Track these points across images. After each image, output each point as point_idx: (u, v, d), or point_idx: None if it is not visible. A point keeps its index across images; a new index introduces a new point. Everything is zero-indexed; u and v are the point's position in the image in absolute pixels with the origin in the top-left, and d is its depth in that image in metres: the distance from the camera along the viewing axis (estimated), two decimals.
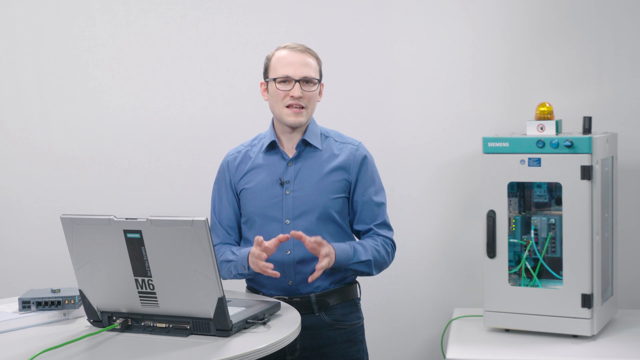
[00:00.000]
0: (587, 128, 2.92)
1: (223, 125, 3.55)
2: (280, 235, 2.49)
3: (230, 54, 3.56)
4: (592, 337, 2.86)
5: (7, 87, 3.67)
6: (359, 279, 2.78)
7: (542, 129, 2.94)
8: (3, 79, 3.67)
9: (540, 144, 2.84)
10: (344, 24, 3.49)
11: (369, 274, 2.68)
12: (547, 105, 2.99)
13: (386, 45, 3.47)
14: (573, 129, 3.13)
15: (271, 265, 2.48)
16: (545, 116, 2.98)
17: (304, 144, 2.68)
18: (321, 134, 2.72)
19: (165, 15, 3.57)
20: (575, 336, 2.86)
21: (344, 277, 2.69)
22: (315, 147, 2.69)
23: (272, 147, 2.70)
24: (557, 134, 2.93)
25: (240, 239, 2.75)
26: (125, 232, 2.19)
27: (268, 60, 2.69)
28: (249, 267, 2.56)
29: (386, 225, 2.75)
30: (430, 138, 3.46)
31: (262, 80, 2.71)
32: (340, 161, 2.69)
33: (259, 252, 2.47)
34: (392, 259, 2.76)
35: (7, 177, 3.69)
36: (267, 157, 2.70)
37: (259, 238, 2.48)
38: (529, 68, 3.38)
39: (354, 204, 2.71)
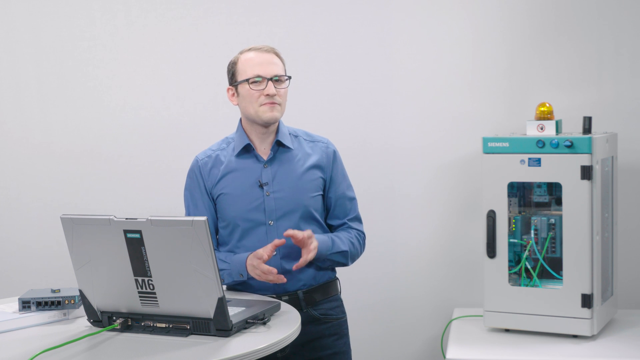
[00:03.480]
0: (587, 128, 2.92)
1: (223, 125, 3.52)
2: (276, 241, 2.54)
3: (230, 54, 3.54)
4: (592, 337, 2.86)
5: (7, 87, 3.67)
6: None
7: (542, 129, 2.94)
8: (3, 79, 3.67)
9: (540, 144, 2.84)
10: (344, 24, 3.49)
11: (345, 264, 2.74)
12: (547, 105, 2.99)
13: (386, 45, 3.47)
14: (573, 129, 3.13)
15: (282, 276, 2.53)
16: (545, 116, 2.98)
17: (278, 145, 2.71)
18: (290, 133, 2.75)
19: (165, 16, 3.57)
20: (575, 336, 2.86)
21: (324, 271, 2.72)
22: (288, 148, 2.71)
23: (246, 150, 2.71)
24: (557, 134, 2.93)
25: (217, 244, 2.75)
26: (125, 232, 2.19)
27: (234, 64, 2.71)
28: (248, 275, 2.59)
29: (358, 219, 2.81)
30: (430, 138, 3.46)
31: (229, 86, 2.73)
32: (315, 160, 2.73)
33: (268, 268, 2.51)
34: (364, 250, 2.82)
35: (7, 176, 3.69)
36: (240, 160, 2.71)
37: (260, 252, 2.53)
38: (529, 68, 3.38)
39: (328, 200, 2.76)
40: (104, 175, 3.64)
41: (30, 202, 3.68)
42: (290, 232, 2.54)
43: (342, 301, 2.81)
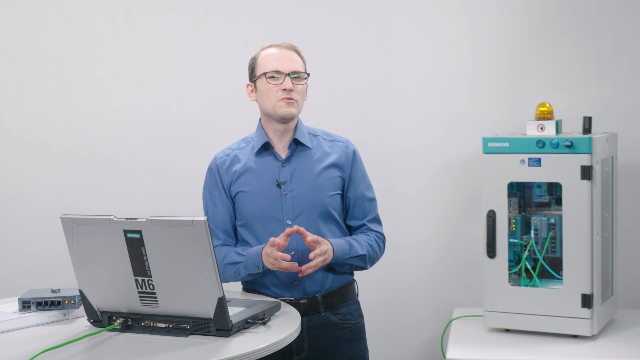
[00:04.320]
0: (587, 128, 2.92)
1: (223, 125, 3.55)
2: (288, 230, 2.51)
3: (230, 54, 3.56)
4: (592, 337, 2.86)
5: (7, 87, 3.67)
6: (356, 277, 2.79)
7: (542, 129, 2.94)
8: (3, 79, 3.67)
9: (540, 144, 2.84)
10: (344, 23, 3.49)
11: (363, 268, 2.72)
12: (547, 105, 2.99)
13: (386, 45, 3.47)
14: (573, 129, 3.13)
15: (296, 264, 2.51)
16: (545, 116, 2.98)
17: (296, 144, 2.70)
18: (309, 133, 2.75)
19: (165, 16, 3.57)
20: (575, 336, 2.86)
21: (343, 274, 2.71)
22: (306, 146, 2.71)
23: (265, 148, 2.70)
24: (557, 134, 2.93)
25: (236, 242, 2.75)
26: (125, 232, 2.19)
27: (254, 60, 2.71)
28: (263, 266, 2.57)
29: (377, 220, 2.79)
30: (430, 138, 3.46)
31: (249, 82, 2.73)
32: (334, 159, 2.72)
33: (281, 255, 2.49)
34: (383, 252, 2.80)
35: (7, 176, 3.69)
36: (258, 159, 2.70)
37: (274, 240, 2.50)
38: (529, 68, 3.38)
39: (347, 200, 2.74)
40: (104, 175, 3.64)
41: (30, 202, 3.68)
42: (299, 229, 2.51)
43: (359, 304, 2.80)
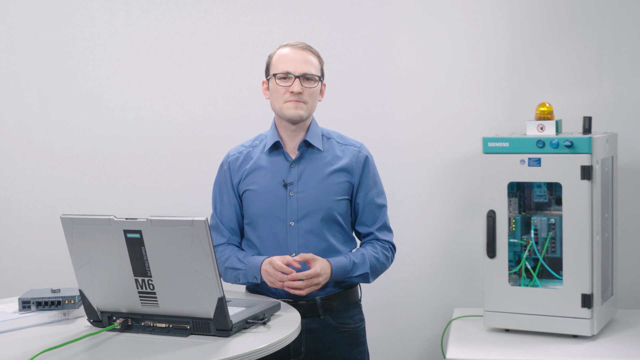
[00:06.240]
0: (587, 128, 2.92)
1: (223, 125, 3.55)
2: (291, 262, 2.50)
3: (230, 54, 3.56)
4: (592, 337, 2.86)
5: (7, 87, 3.67)
6: None
7: (542, 129, 2.94)
8: (3, 79, 3.67)
9: (540, 144, 2.84)
10: (344, 24, 3.49)
11: (366, 282, 2.70)
12: (547, 105, 2.99)
13: (386, 45, 3.47)
14: (573, 129, 3.13)
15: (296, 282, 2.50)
16: (545, 116, 2.98)
17: (306, 145, 2.68)
18: (322, 135, 2.72)
19: (165, 16, 3.57)
20: (575, 336, 2.86)
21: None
22: (317, 148, 2.68)
23: (275, 147, 2.68)
24: (557, 134, 2.93)
25: (242, 239, 2.74)
26: (125, 232, 2.19)
27: (270, 58, 2.69)
28: (261, 279, 2.56)
29: (386, 228, 2.76)
30: (430, 138, 3.46)
31: (264, 79, 2.71)
32: (344, 163, 2.69)
33: (281, 276, 2.49)
34: (392, 261, 2.78)
35: (7, 177, 3.69)
36: (269, 158, 2.68)
37: (280, 266, 2.49)
38: (529, 68, 3.38)
39: (356, 206, 2.71)
40: (104, 175, 3.64)
41: (30, 202, 3.68)
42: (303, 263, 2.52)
43: (361, 307, 2.77)
